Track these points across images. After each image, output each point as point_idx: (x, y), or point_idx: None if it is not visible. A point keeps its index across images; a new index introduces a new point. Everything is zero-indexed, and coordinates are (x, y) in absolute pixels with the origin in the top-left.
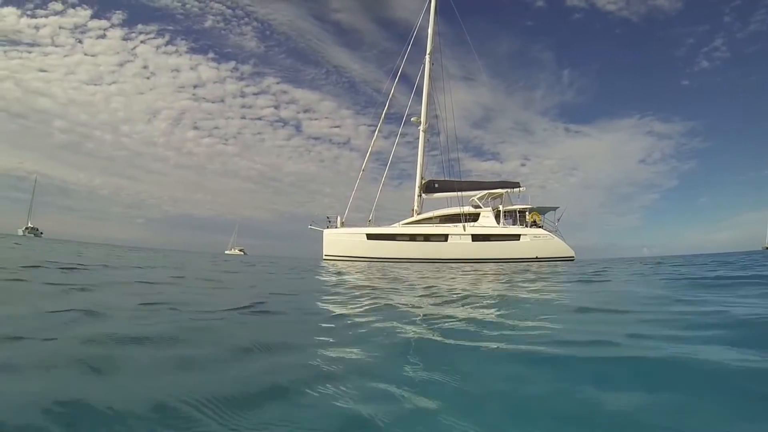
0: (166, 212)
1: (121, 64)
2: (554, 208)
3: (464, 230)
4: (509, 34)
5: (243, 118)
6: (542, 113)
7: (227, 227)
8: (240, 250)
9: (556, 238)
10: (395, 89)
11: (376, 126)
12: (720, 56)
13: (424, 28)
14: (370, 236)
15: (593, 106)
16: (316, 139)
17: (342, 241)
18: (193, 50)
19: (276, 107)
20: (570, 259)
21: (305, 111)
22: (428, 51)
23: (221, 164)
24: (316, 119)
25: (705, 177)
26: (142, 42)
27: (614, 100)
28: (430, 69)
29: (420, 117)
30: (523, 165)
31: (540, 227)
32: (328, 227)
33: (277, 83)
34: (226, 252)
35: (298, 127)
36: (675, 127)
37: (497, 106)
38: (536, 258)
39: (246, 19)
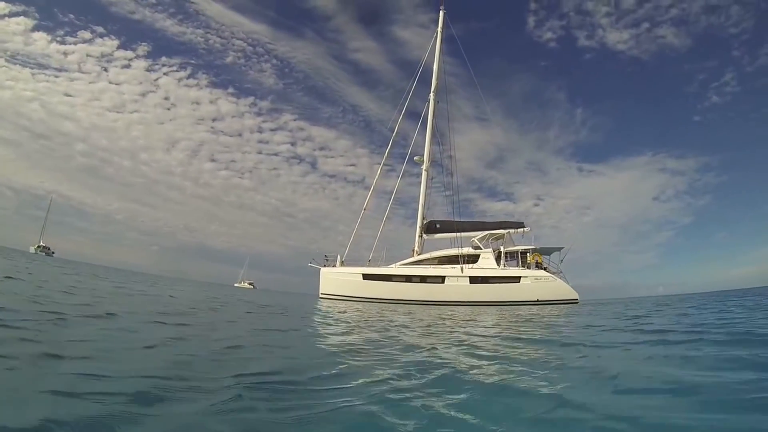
0: (180, 241)
1: (144, 94)
2: (559, 249)
3: (462, 272)
4: (523, 75)
5: (259, 153)
6: (556, 153)
7: (239, 259)
8: (249, 284)
9: (558, 280)
10: (408, 128)
11: (383, 163)
12: (730, 90)
13: (431, 64)
14: (366, 276)
15: (606, 145)
16: (331, 176)
17: (338, 280)
18: (213, 84)
19: (292, 144)
20: (574, 301)
21: (321, 148)
22: (432, 89)
23: (236, 197)
24: (331, 157)
25: (720, 212)
26: (164, 74)
27: (627, 138)
28: (435, 107)
29: (423, 156)
30: (536, 205)
31: (543, 269)
32: (325, 265)
33: (294, 120)
34: (236, 285)
35: (313, 164)
36: (688, 162)
37: (511, 146)
38: (537, 301)
39: (266, 56)
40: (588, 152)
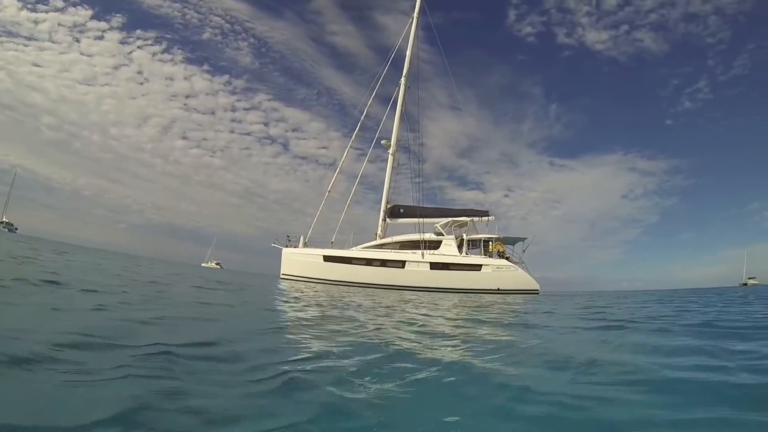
0: (149, 219)
1: (116, 67)
2: (522, 239)
3: (422, 257)
4: (500, 67)
5: (232, 132)
6: (528, 146)
7: (208, 239)
8: (217, 263)
9: (519, 270)
10: (381, 112)
11: (352, 146)
12: (703, 97)
13: (405, 49)
14: (326, 258)
15: (579, 141)
16: (303, 158)
17: (299, 261)
18: (188, 60)
19: (266, 124)
20: (534, 292)
21: (294, 130)
22: (404, 73)
23: (207, 176)
24: (304, 139)
25: (687, 213)
26: (139, 47)
27: (599, 136)
28: (405, 92)
29: (390, 140)
30: (506, 196)
31: (506, 258)
32: (287, 246)
33: (269, 100)
34: (203, 264)
35: (285, 146)
36: (658, 164)
37: (484, 137)
38: (498, 290)
39: (243, 34)
40: (560, 147)
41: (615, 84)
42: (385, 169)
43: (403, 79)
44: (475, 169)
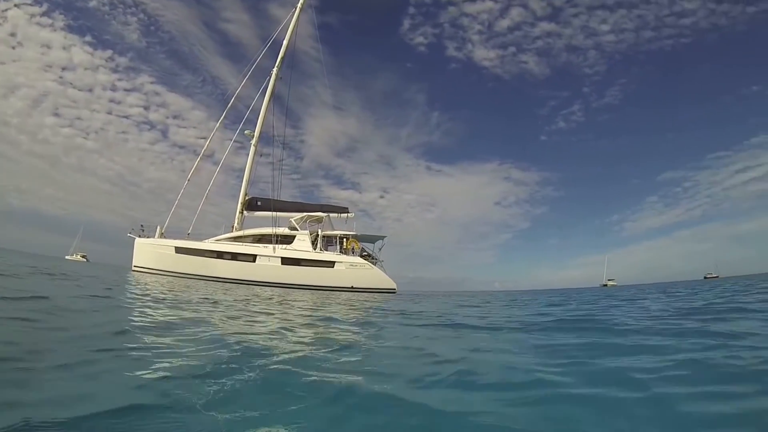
0: (9, 204)
1: None
2: (381, 237)
3: (273, 252)
4: (387, 73)
5: (109, 113)
6: (407, 150)
7: (76, 229)
8: (82, 256)
9: (375, 268)
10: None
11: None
12: (576, 119)
13: (289, 40)
14: (178, 250)
15: (457, 149)
16: (181, 147)
17: (151, 253)
18: (69, 28)
19: (146, 108)
20: (391, 291)
21: (175, 117)
22: (277, 63)
23: (78, 159)
24: (184, 127)
25: (554, 222)
26: (15, 5)
27: (477, 145)
28: (275, 81)
29: (254, 130)
30: (381, 197)
31: (364, 256)
32: (140, 236)
33: (152, 83)
34: (67, 257)
35: (164, 133)
36: (531, 175)
37: (364, 138)
38: (352, 287)
39: (134, 9)
40: (438, 153)
41: (497, 99)
42: (262, 164)
43: (275, 69)
44: (352, 169)
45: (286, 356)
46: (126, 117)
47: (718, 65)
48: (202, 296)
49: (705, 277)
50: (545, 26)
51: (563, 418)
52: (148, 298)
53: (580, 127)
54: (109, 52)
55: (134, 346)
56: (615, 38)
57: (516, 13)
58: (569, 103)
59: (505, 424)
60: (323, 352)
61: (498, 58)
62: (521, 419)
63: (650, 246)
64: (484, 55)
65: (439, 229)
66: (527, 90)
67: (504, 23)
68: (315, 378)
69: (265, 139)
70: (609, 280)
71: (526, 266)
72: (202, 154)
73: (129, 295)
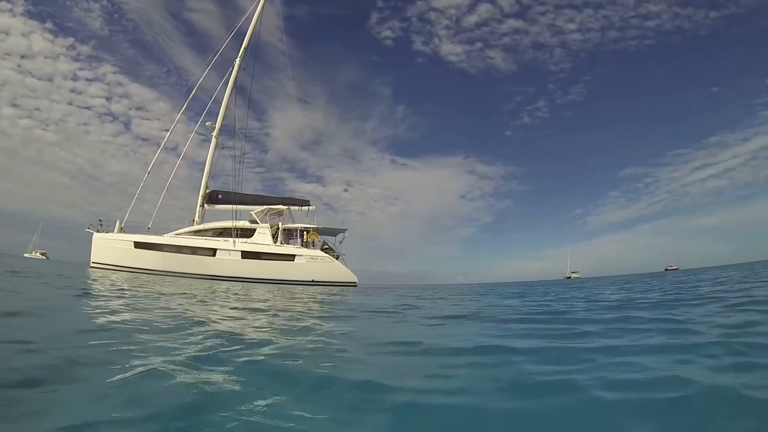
0: None
1: None
2: (343, 230)
3: (233, 245)
4: (353, 66)
5: (70, 104)
6: (371, 143)
7: (36, 225)
8: (42, 254)
9: (336, 261)
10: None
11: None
12: (541, 115)
13: (255, 30)
14: (137, 245)
15: (422, 143)
16: (144, 140)
17: (110, 248)
18: (29, 14)
19: (108, 99)
20: (352, 284)
21: (138, 108)
22: (240, 53)
23: (37, 152)
24: (147, 119)
25: (518, 215)
26: None
27: (442, 139)
28: (238, 73)
29: (216, 122)
30: (345, 191)
31: (325, 249)
32: (98, 231)
33: (114, 73)
34: (26, 255)
35: (127, 125)
36: (496, 169)
37: (328, 131)
38: (312, 281)
39: None
40: (403, 147)
41: (462, 93)
42: (227, 157)
43: (238, 59)
44: (317, 163)
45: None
46: (87, 108)
47: (680, 67)
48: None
49: (666, 269)
50: (512, 23)
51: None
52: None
53: (544, 122)
54: (70, 40)
55: None
56: (581, 37)
57: (484, 10)
58: (534, 99)
59: None
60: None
61: (465, 53)
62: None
63: (613, 239)
64: (450, 50)
65: (404, 223)
66: (493, 85)
67: (472, 19)
68: None
69: (230, 131)
70: (573, 272)
71: (491, 259)
72: (163, 146)
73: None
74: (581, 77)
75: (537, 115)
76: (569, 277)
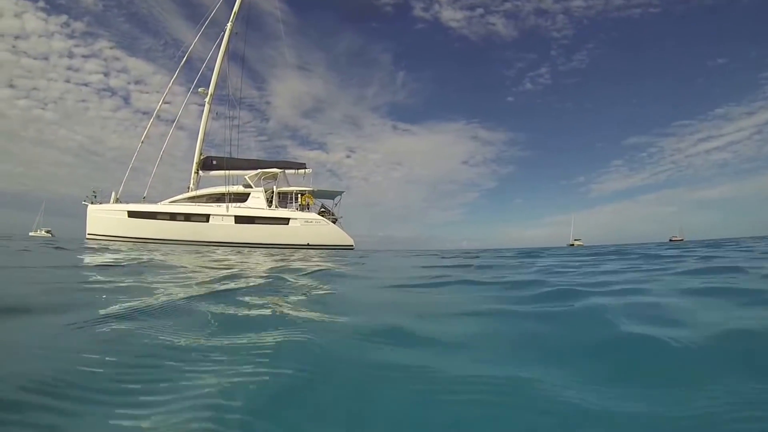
0: None
1: None
2: (339, 192)
3: (227, 211)
4: (352, 33)
5: (68, 81)
6: (372, 110)
7: (38, 205)
8: (47, 231)
9: (332, 225)
10: (227, 65)
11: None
12: (543, 82)
13: None
14: (131, 214)
15: (423, 109)
16: (144, 113)
17: (104, 219)
18: None
19: (106, 74)
20: (349, 247)
21: (136, 82)
22: (230, 17)
23: (37, 132)
24: (146, 92)
25: (521, 181)
26: None
27: (444, 105)
28: (229, 37)
29: (209, 87)
30: (348, 157)
31: (325, 212)
32: (93, 203)
33: (110, 48)
34: (31, 234)
35: (126, 99)
36: (498, 135)
37: (329, 99)
38: (308, 245)
39: None
40: (404, 112)
41: (463, 59)
42: (226, 126)
43: (229, 23)
44: (319, 130)
45: None
46: (85, 84)
47: (686, 36)
48: None
49: (670, 240)
50: None
51: None
52: None
53: (546, 89)
54: (64, 18)
55: None
56: (584, 3)
57: None
58: (537, 65)
59: None
60: None
61: (465, 19)
62: None
63: (616, 208)
64: (451, 15)
65: (406, 188)
66: (494, 51)
67: None
68: None
69: (228, 100)
70: (576, 239)
71: (494, 225)
72: (155, 114)
73: None
74: (584, 44)
75: (539, 82)
76: (572, 245)
